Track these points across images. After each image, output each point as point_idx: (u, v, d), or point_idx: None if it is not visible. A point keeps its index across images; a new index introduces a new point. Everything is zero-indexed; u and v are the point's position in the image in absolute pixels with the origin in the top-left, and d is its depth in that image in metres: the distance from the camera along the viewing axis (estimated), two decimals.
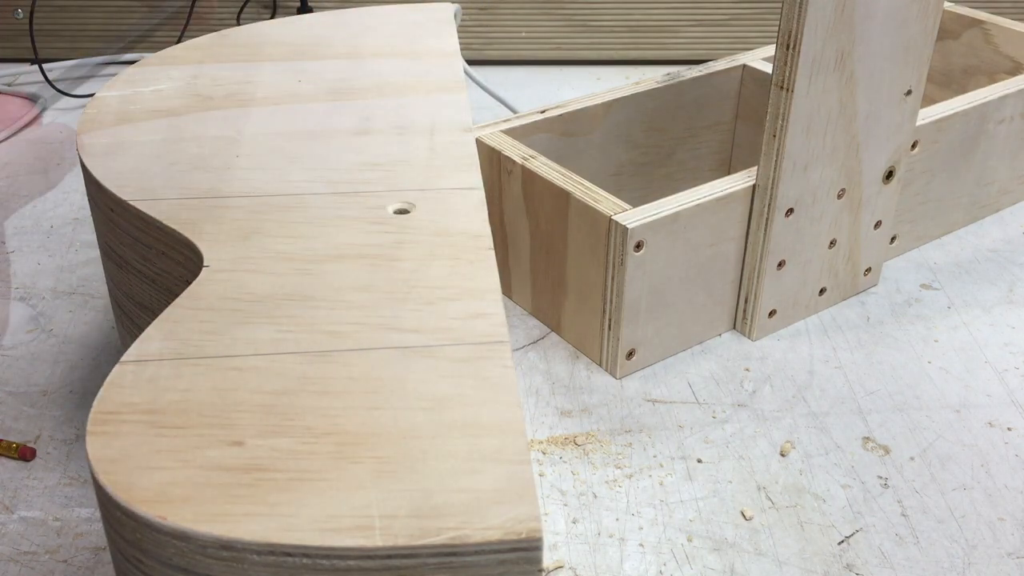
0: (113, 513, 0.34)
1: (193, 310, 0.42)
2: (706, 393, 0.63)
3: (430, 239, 0.47)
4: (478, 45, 1.11)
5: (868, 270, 0.72)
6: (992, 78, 0.86)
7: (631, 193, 0.77)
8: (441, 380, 0.39)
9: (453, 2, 0.82)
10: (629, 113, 0.75)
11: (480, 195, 0.50)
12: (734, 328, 0.69)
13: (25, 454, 0.57)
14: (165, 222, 0.47)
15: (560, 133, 0.72)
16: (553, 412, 0.61)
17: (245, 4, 1.09)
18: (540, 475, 0.56)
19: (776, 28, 0.59)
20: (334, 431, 0.36)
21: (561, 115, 0.71)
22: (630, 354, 0.64)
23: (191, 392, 0.38)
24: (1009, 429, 0.60)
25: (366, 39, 0.68)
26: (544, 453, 0.58)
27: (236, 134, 0.55)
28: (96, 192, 0.52)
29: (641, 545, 0.52)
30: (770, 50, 0.80)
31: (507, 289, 0.71)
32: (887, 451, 0.58)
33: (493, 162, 0.67)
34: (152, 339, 0.40)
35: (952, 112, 0.72)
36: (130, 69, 0.64)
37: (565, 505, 0.55)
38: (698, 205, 0.61)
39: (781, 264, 0.65)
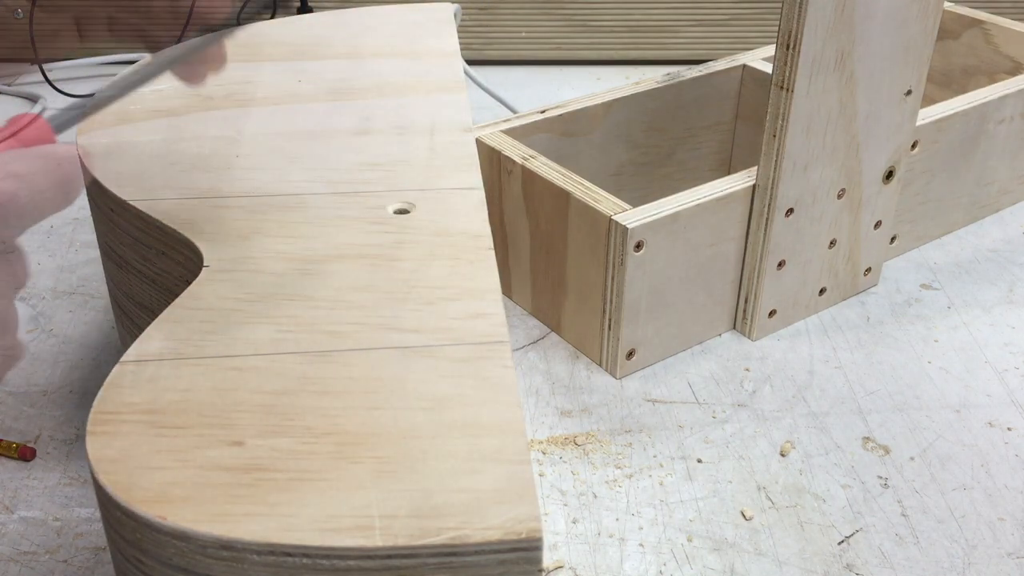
0: (113, 513, 0.34)
1: (193, 310, 0.42)
2: (706, 393, 0.63)
3: (430, 239, 0.47)
4: (478, 45, 1.11)
5: (868, 270, 0.72)
6: (992, 78, 0.86)
7: (631, 193, 0.77)
8: (441, 380, 0.39)
9: (453, 2, 0.82)
10: (629, 113, 0.75)
11: (480, 195, 0.50)
12: (734, 328, 0.69)
13: (25, 454, 0.57)
14: (165, 222, 0.47)
15: (560, 133, 0.72)
16: (553, 412, 0.61)
17: (245, 4, 1.09)
18: (540, 475, 0.56)
19: (776, 28, 0.59)
20: (334, 431, 0.36)
21: (561, 115, 0.71)
22: (630, 354, 0.64)
23: (191, 392, 0.38)
24: (1009, 429, 0.60)
25: (366, 39, 0.68)
26: (544, 453, 0.58)
27: (236, 134, 0.55)
28: (96, 192, 0.52)
29: (641, 545, 0.52)
30: (770, 50, 0.80)
31: (507, 289, 0.71)
32: (887, 451, 0.58)
33: (493, 162, 0.67)
34: (152, 339, 0.40)
35: (952, 112, 0.72)
36: (130, 69, 0.63)
37: (565, 505, 0.55)
38: (698, 205, 0.61)
39: (781, 264, 0.65)
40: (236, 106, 0.58)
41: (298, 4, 1.08)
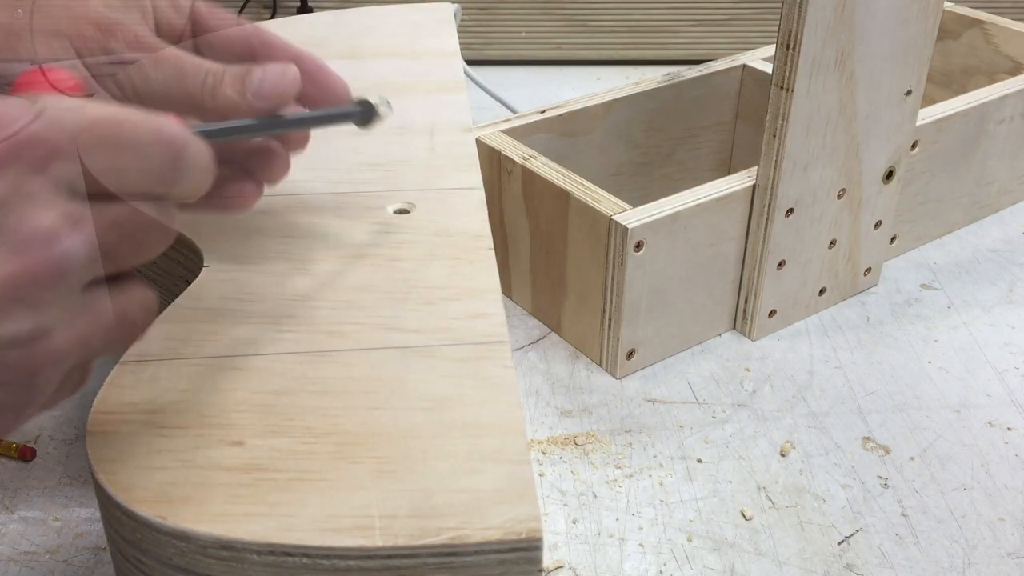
0: (113, 513, 0.34)
1: (193, 310, 0.42)
2: (706, 393, 0.63)
3: (430, 239, 0.47)
4: (478, 45, 1.11)
5: (868, 270, 0.72)
6: (992, 78, 0.86)
7: (631, 193, 0.77)
8: (441, 380, 0.39)
9: (453, 2, 0.82)
10: (629, 113, 0.75)
11: (480, 195, 0.50)
12: (734, 328, 0.69)
13: (25, 454, 0.57)
14: None
15: (560, 133, 0.72)
16: (553, 412, 0.61)
17: (245, 4, 1.09)
18: (540, 475, 0.56)
19: (776, 28, 0.59)
20: (334, 431, 0.36)
21: (561, 115, 0.71)
22: (630, 354, 0.64)
23: (191, 392, 0.38)
24: (1009, 429, 0.60)
25: (366, 39, 0.68)
26: (544, 453, 0.58)
27: None
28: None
29: (641, 545, 0.52)
30: (770, 50, 0.80)
31: (507, 289, 0.71)
32: (887, 451, 0.58)
33: (493, 162, 0.67)
34: (152, 339, 0.40)
35: (952, 112, 0.72)
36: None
37: (565, 505, 0.55)
38: (698, 205, 0.61)
39: (781, 264, 0.65)
40: None
41: (298, 4, 1.08)
